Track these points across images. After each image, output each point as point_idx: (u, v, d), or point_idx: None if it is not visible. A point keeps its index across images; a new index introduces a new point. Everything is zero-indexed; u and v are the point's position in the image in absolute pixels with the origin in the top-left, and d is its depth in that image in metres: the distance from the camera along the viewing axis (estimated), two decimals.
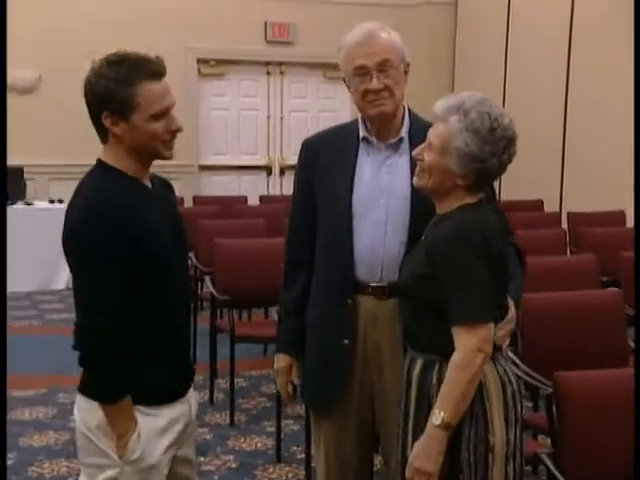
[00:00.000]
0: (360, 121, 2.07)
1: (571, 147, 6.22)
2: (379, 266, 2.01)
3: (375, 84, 1.94)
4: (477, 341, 1.72)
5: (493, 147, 1.76)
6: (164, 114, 1.74)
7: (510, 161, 1.82)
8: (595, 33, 6.21)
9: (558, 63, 6.57)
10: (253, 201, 6.98)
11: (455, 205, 1.83)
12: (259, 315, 4.92)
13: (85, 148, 8.66)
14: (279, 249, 4.06)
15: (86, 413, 1.79)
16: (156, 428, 1.80)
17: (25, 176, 6.93)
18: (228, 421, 3.77)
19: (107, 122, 1.73)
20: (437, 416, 1.72)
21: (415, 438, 1.81)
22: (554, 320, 2.85)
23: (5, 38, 3.22)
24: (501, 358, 1.85)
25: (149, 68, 1.72)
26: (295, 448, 3.47)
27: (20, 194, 6.82)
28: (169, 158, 1.80)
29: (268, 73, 8.30)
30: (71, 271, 1.78)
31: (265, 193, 7.98)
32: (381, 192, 2.01)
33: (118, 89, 1.70)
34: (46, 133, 7.39)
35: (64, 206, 6.89)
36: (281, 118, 8.36)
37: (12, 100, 7.31)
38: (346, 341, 2.02)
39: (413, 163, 1.93)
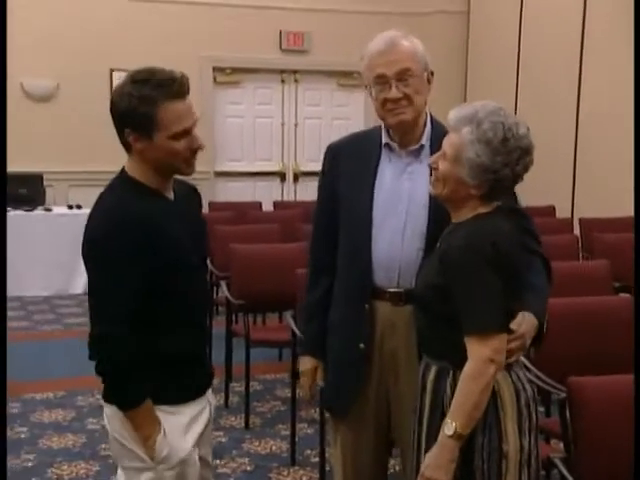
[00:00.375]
0: (383, 127, 2.08)
1: (583, 154, 6.22)
2: (396, 272, 2.01)
3: (394, 93, 1.94)
4: (489, 351, 1.72)
5: (505, 158, 1.75)
6: (185, 133, 1.75)
7: (526, 171, 1.80)
8: (607, 41, 6.21)
9: (570, 71, 6.57)
10: (267, 207, 7.03)
11: (469, 215, 1.82)
12: (273, 319, 4.95)
13: (102, 155, 8.78)
14: (293, 254, 4.16)
15: (112, 419, 1.83)
16: (180, 425, 1.83)
17: (44, 182, 7.01)
18: (243, 424, 3.80)
19: (130, 138, 1.76)
20: (449, 426, 1.72)
21: (428, 444, 1.81)
22: (566, 326, 2.84)
23: (5, 39, 3.25)
24: (515, 365, 1.84)
25: (172, 88, 1.72)
26: (309, 451, 3.49)
27: (40, 200, 6.90)
28: (189, 174, 1.82)
29: (283, 81, 8.36)
30: (88, 279, 1.79)
31: (279, 199, 8.02)
32: (401, 199, 2.01)
33: (140, 107, 1.70)
34: (65, 141, 7.47)
35: (82, 212, 7.00)
36: (295, 125, 8.41)
37: (31, 108, 7.45)
38: (362, 345, 2.03)
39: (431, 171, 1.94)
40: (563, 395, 2.15)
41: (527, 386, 1.85)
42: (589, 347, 2.85)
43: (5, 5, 3.13)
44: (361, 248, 2.03)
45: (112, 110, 1.77)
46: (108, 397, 1.80)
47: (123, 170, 1.84)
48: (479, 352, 1.72)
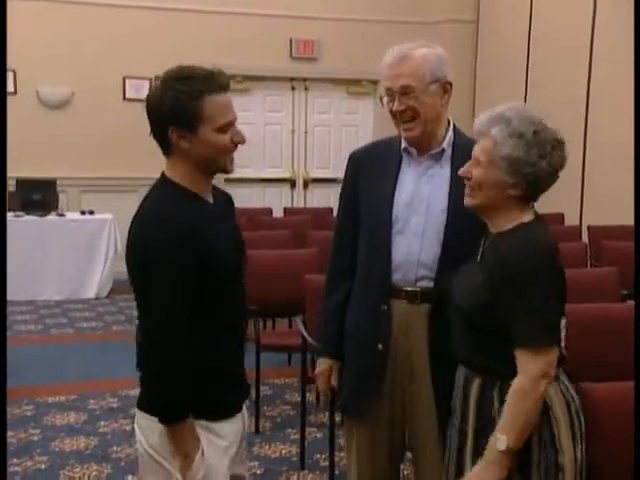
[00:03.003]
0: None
1: (591, 161, 6.23)
2: (414, 273, 2.05)
3: (397, 106, 2.01)
4: (543, 365, 1.70)
5: (540, 149, 1.74)
6: (230, 126, 1.73)
7: (562, 166, 1.79)
8: (616, 50, 6.23)
9: (578, 79, 6.59)
10: (277, 213, 7.07)
11: (510, 223, 1.79)
12: (283, 324, 4.98)
13: (115, 162, 8.85)
14: (304, 260, 4.19)
15: (148, 431, 1.76)
16: (219, 447, 1.79)
17: (58, 188, 7.06)
18: (253, 428, 3.81)
19: (174, 137, 1.71)
20: (501, 442, 1.69)
21: (475, 458, 1.78)
22: (574, 332, 2.83)
23: (5, 40, 3.28)
24: (562, 375, 1.82)
25: (217, 81, 1.70)
26: (319, 456, 3.51)
27: (53, 205, 6.95)
28: (231, 171, 1.79)
29: (293, 89, 8.40)
30: (134, 288, 1.72)
31: (289, 206, 8.07)
32: (421, 202, 2.05)
33: (188, 103, 1.67)
34: (78, 147, 7.53)
35: (94, 217, 7.06)
36: (305, 132, 8.45)
37: (46, 115, 7.53)
38: (380, 346, 2.06)
39: (455, 176, 1.95)
40: None
41: (575, 395, 1.83)
42: (597, 354, 2.85)
43: (5, 5, 3.17)
44: (381, 250, 2.06)
45: (153, 112, 1.72)
46: (150, 407, 1.74)
47: (163, 174, 1.79)
48: (533, 367, 1.69)
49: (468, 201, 1.84)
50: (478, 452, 1.78)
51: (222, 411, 1.81)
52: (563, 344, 1.88)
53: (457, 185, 1.98)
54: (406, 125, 2.03)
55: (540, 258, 1.72)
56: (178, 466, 1.73)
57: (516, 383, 1.71)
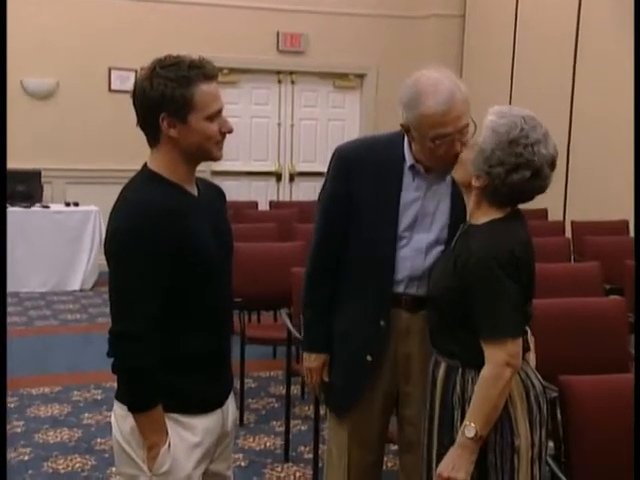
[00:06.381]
0: (407, 146, 2.04)
1: (575, 157, 6.27)
2: (415, 285, 2.05)
3: (459, 148, 1.89)
4: (506, 356, 1.76)
5: (504, 157, 1.75)
6: (218, 115, 1.73)
7: (523, 187, 1.77)
8: (601, 45, 6.27)
9: (564, 75, 6.63)
10: (263, 207, 7.07)
11: (484, 218, 1.84)
12: (268, 317, 5.00)
13: (100, 153, 8.79)
14: (289, 253, 4.20)
15: (121, 420, 1.76)
16: (189, 443, 1.76)
17: (42, 179, 7.02)
18: (238, 421, 3.83)
19: (164, 124, 1.69)
20: (470, 428, 1.75)
21: (440, 441, 1.87)
22: (557, 326, 2.87)
23: (5, 40, 3.26)
24: (523, 363, 1.87)
25: (206, 69, 1.70)
26: (303, 448, 3.53)
27: (37, 197, 6.91)
28: (219, 159, 1.78)
29: (279, 82, 8.39)
30: (111, 275, 1.71)
31: (275, 199, 8.06)
32: (425, 219, 2.03)
33: (177, 89, 1.66)
34: (63, 138, 7.48)
35: (79, 209, 7.02)
36: (291, 126, 8.45)
37: (30, 106, 7.47)
38: (369, 357, 2.06)
39: (456, 191, 1.96)
40: (554, 394, 2.17)
41: (535, 382, 1.89)
42: (580, 348, 2.88)
43: (5, 5, 3.16)
44: (384, 265, 2.03)
45: (142, 99, 1.70)
46: (120, 396, 1.75)
47: (145, 165, 1.79)
48: (497, 357, 1.76)
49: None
50: (442, 435, 1.86)
51: (195, 405, 1.77)
52: (529, 335, 1.94)
53: (458, 200, 1.98)
54: (454, 166, 1.92)
55: (504, 254, 1.76)
56: (144, 456, 1.72)
57: (483, 372, 1.78)
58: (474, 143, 1.83)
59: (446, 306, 1.87)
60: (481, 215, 1.85)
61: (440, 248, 2.02)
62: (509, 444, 1.81)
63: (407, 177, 2.04)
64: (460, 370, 1.85)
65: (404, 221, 2.03)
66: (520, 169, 1.76)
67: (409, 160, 2.03)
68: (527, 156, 1.75)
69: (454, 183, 1.98)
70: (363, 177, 2.06)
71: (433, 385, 1.92)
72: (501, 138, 1.76)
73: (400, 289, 2.05)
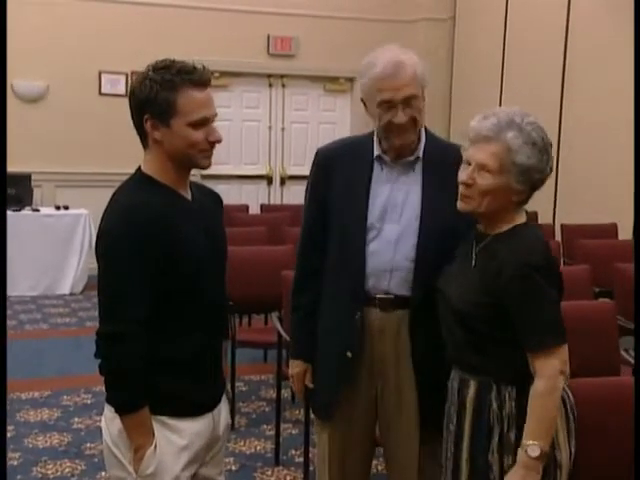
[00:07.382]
0: (375, 139, 2.07)
1: (565, 161, 6.30)
2: (387, 280, 2.03)
3: (401, 118, 1.93)
4: (560, 364, 1.72)
5: (548, 155, 1.77)
6: (204, 123, 1.72)
7: (539, 185, 1.81)
8: (591, 47, 6.30)
9: (554, 79, 6.66)
10: (254, 210, 7.07)
11: (506, 225, 1.80)
12: (259, 321, 5.00)
13: (90, 157, 8.75)
14: (280, 257, 4.19)
15: (110, 422, 1.76)
16: (176, 445, 1.75)
17: (32, 183, 6.99)
18: (230, 426, 3.84)
19: (147, 125, 1.72)
20: (533, 448, 1.69)
21: (471, 462, 1.80)
22: None
23: (5, 43, 3.27)
24: None
25: (193, 75, 1.71)
26: (293, 452, 3.52)
27: (27, 200, 6.89)
28: (206, 167, 1.78)
29: (270, 85, 8.39)
30: (100, 276, 1.73)
31: (266, 202, 8.06)
32: (394, 210, 2.03)
33: (160, 92, 1.68)
34: (53, 141, 7.45)
35: (69, 212, 6.99)
36: (282, 129, 8.45)
37: (21, 109, 7.44)
38: (349, 354, 2.06)
39: (427, 181, 1.96)
40: None
41: (569, 392, 1.86)
42: (570, 351, 2.88)
43: (5, 5, 3.14)
44: (354, 257, 2.04)
45: (132, 100, 1.74)
46: (108, 398, 1.75)
47: (139, 168, 1.80)
48: (550, 367, 1.71)
49: (463, 206, 1.82)
50: (473, 457, 1.79)
51: (183, 408, 1.77)
52: None
53: (429, 190, 1.99)
54: (405, 136, 1.97)
55: (540, 261, 1.73)
56: (131, 458, 1.72)
57: (536, 388, 1.72)
58: (502, 166, 1.74)
59: (477, 323, 1.78)
60: (503, 224, 1.81)
61: (412, 241, 2.00)
62: (552, 458, 1.76)
63: (376, 169, 2.05)
64: (494, 387, 1.79)
65: (373, 211, 2.03)
66: (547, 169, 1.79)
67: (376, 151, 2.06)
68: (549, 140, 1.78)
69: (425, 173, 1.99)
70: (338, 174, 2.09)
71: (461, 406, 1.84)
72: (540, 145, 1.75)
73: (371, 283, 2.03)
